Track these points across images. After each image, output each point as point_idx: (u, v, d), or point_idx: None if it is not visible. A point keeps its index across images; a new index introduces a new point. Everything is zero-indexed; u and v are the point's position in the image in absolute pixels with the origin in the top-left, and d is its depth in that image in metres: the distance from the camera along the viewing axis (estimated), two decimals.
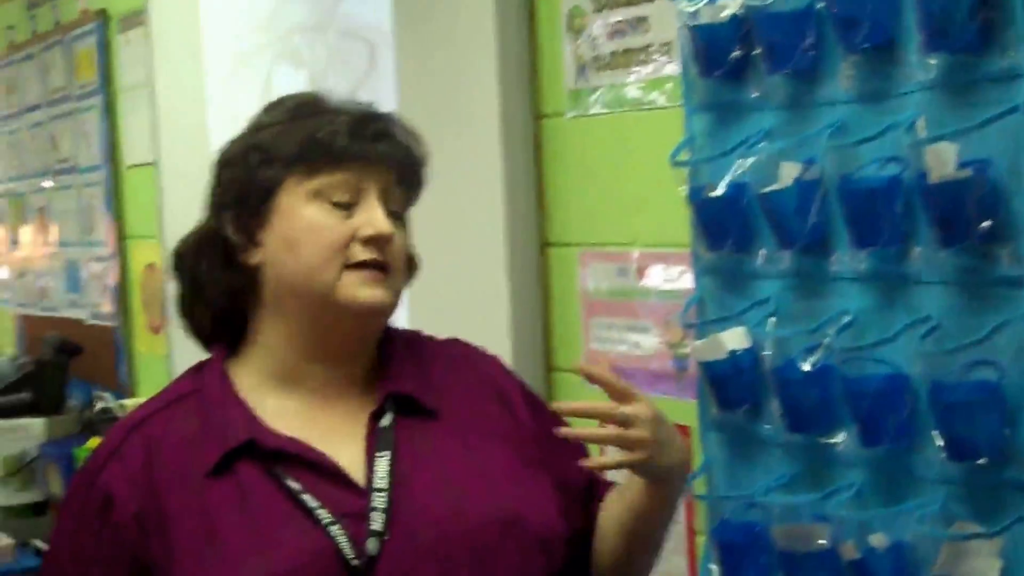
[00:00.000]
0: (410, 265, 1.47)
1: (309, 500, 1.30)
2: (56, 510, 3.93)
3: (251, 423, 1.35)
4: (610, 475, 1.54)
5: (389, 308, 1.39)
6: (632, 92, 2.05)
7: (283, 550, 1.28)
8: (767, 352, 1.72)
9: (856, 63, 1.58)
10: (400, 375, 1.41)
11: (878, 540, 1.56)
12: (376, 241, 1.35)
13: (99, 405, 4.14)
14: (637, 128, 2.05)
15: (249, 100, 3.31)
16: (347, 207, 1.35)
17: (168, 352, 3.81)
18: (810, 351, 1.65)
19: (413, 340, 1.49)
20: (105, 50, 4.11)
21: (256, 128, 1.42)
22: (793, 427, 1.68)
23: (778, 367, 1.69)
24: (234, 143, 1.43)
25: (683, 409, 1.97)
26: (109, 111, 4.13)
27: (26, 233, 4.94)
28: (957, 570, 1.46)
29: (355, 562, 1.28)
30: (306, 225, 1.35)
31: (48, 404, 4.10)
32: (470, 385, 1.46)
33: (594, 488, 1.52)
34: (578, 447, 1.49)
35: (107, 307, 4.24)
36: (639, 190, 2.05)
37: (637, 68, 2.03)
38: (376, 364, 1.43)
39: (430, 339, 1.52)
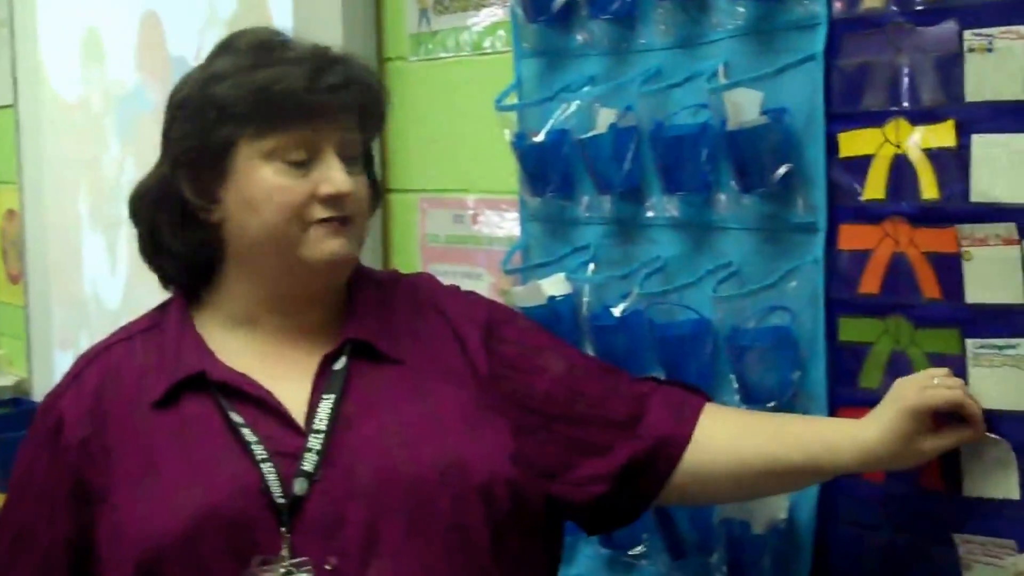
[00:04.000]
0: (374, 199, 1.45)
1: (248, 435, 1.31)
2: None
3: (203, 356, 1.36)
4: None
5: (353, 259, 1.38)
6: (471, 37, 2.05)
7: (214, 483, 1.29)
8: (586, 298, 1.74)
9: (669, 9, 1.60)
10: (363, 320, 1.40)
11: None
12: (335, 199, 1.33)
13: None
14: (474, 73, 2.05)
15: (105, 43, 3.26)
16: (304, 164, 1.33)
17: (26, 303, 3.73)
18: (623, 297, 1.67)
19: (385, 283, 1.47)
20: None
21: (210, 76, 1.36)
22: None
23: (594, 313, 1.71)
24: (188, 84, 1.38)
25: None
26: None
27: None
28: (748, 510, 1.49)
29: (280, 500, 1.28)
30: (264, 186, 1.32)
31: None
32: (431, 327, 1.43)
33: (601, 402, 1.41)
34: (558, 368, 1.42)
35: None
36: (475, 136, 2.05)
37: (475, 12, 2.03)
38: (342, 306, 1.41)
39: (401, 278, 1.51)
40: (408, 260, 2.22)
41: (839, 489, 1.45)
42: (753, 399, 1.49)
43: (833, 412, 1.45)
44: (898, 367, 1.38)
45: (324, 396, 1.33)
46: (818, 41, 1.43)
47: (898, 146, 1.37)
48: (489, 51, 2.02)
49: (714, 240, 1.59)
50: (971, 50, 1.28)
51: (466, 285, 2.07)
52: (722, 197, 1.56)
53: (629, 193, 1.68)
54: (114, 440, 1.34)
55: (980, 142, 1.28)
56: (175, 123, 1.38)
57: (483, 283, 2.06)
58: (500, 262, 1.99)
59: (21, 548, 1.37)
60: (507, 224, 2.00)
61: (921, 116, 1.34)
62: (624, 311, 1.65)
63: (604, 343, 1.68)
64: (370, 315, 1.40)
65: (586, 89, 1.73)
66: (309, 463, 1.29)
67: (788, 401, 1.48)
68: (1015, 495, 1.28)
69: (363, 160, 1.40)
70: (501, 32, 1.97)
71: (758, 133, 1.45)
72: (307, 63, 1.33)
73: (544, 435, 1.38)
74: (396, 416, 1.34)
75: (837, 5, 1.42)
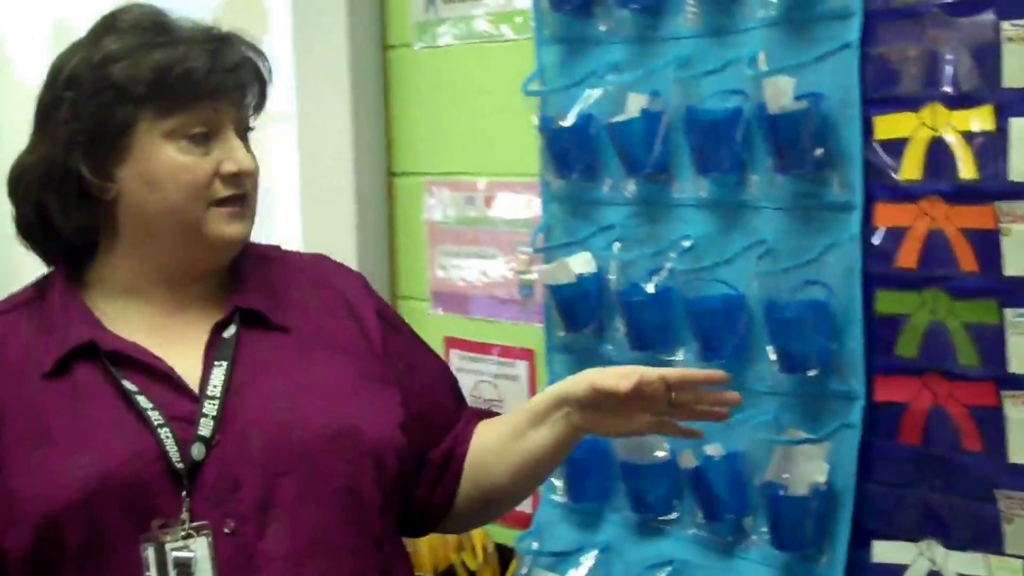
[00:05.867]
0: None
1: (143, 401, 1.33)
2: None
3: (92, 326, 1.37)
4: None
5: (248, 238, 1.42)
6: (481, 24, 2.10)
7: (111, 450, 1.30)
8: (611, 276, 1.81)
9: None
10: (250, 290, 1.44)
11: (714, 449, 1.67)
12: (238, 177, 1.36)
13: None
14: (485, 60, 2.10)
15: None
16: (204, 140, 1.36)
17: None
18: (653, 274, 1.74)
19: (269, 255, 1.51)
20: None
21: (103, 57, 1.36)
22: (636, 346, 1.77)
23: (622, 290, 1.78)
24: (75, 63, 1.38)
25: (528, 333, 2.05)
26: None
27: None
28: (788, 473, 1.58)
29: (179, 465, 1.31)
30: (167, 165, 1.35)
31: None
32: (323, 301, 1.48)
33: (450, 416, 1.55)
34: (429, 373, 1.54)
35: None
36: (487, 120, 2.11)
37: (486, 1, 2.08)
38: (229, 278, 1.45)
39: (289, 254, 1.55)
40: (414, 242, 2.27)
41: (877, 451, 1.54)
42: (792, 368, 1.58)
43: (870, 379, 1.54)
44: (936, 336, 1.48)
45: (216, 363, 1.37)
46: (853, 30, 1.52)
47: (934, 129, 1.46)
48: (500, 39, 2.07)
49: (746, 219, 1.66)
50: (1009, 39, 1.38)
51: (478, 266, 2.16)
52: (754, 178, 1.64)
53: (656, 174, 1.75)
54: (3, 411, 1.34)
55: (1018, 125, 1.38)
56: (63, 103, 1.36)
57: (496, 263, 2.12)
58: (514, 243, 2.06)
59: None
60: (522, 206, 2.06)
61: (958, 101, 1.43)
62: (657, 286, 1.73)
63: (636, 319, 1.75)
64: (257, 285, 1.45)
65: (611, 76, 1.80)
66: (206, 428, 1.33)
67: (826, 369, 1.56)
68: None
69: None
70: (518, 19, 2.02)
71: (797, 117, 1.53)
72: (203, 43, 1.36)
73: (414, 424, 1.46)
74: (286, 382, 1.39)
75: None
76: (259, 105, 1.44)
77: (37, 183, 1.39)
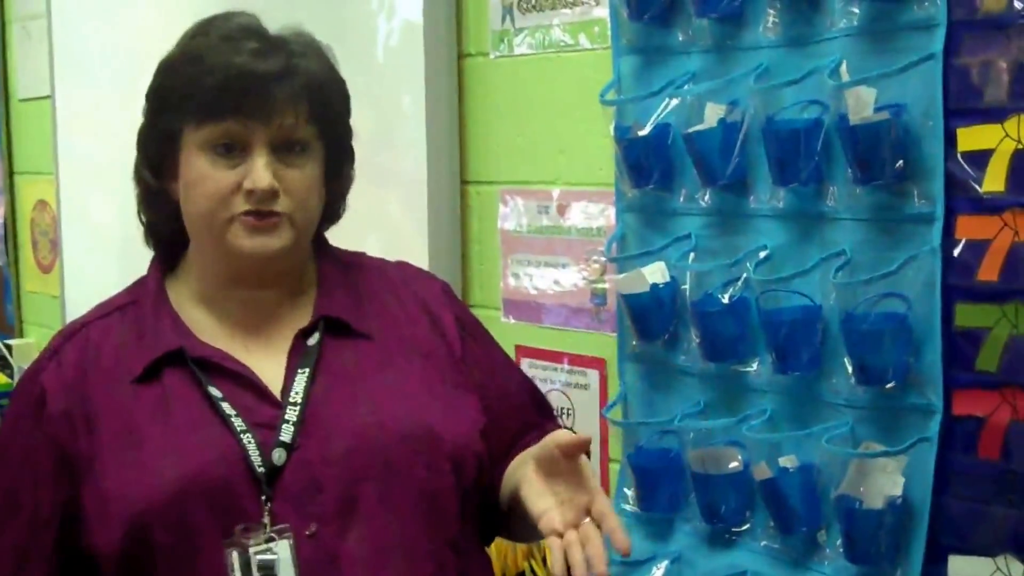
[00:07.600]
0: (336, 191, 1.50)
1: (227, 408, 1.36)
2: None
3: (181, 333, 1.41)
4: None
5: (285, 252, 1.40)
6: (557, 34, 2.11)
7: (195, 453, 1.34)
8: (686, 286, 1.81)
9: (780, 9, 1.67)
10: (334, 297, 1.46)
11: (789, 461, 1.66)
12: (255, 194, 1.37)
13: None
14: (561, 69, 2.11)
15: (145, 32, 3.27)
16: (232, 153, 1.37)
17: (60, 292, 3.75)
18: (728, 284, 1.74)
19: (352, 262, 1.54)
20: None
21: (162, 66, 1.43)
22: (709, 356, 1.77)
23: (697, 300, 1.77)
24: (154, 74, 1.44)
25: (601, 342, 2.05)
26: None
27: None
28: (863, 487, 1.57)
29: (260, 469, 1.34)
30: (196, 173, 1.38)
31: None
32: (405, 307, 1.51)
33: (528, 424, 1.55)
34: (508, 379, 1.56)
35: None
36: (562, 129, 2.11)
37: (564, 11, 2.09)
38: (312, 283, 1.48)
39: (372, 260, 1.57)
40: (487, 249, 2.28)
41: (954, 465, 1.52)
42: (870, 380, 1.56)
43: (949, 393, 1.52)
44: (1017, 351, 1.46)
45: (299, 370, 1.40)
46: (937, 41, 1.50)
47: (1018, 141, 1.44)
48: (577, 48, 2.08)
49: (824, 230, 1.66)
50: None
51: (551, 275, 2.16)
52: (833, 189, 1.63)
53: (733, 184, 1.75)
54: (96, 412, 1.38)
55: None
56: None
57: (569, 272, 2.12)
58: (587, 253, 2.06)
59: (6, 514, 1.42)
60: (596, 215, 2.06)
61: None
62: (732, 297, 1.72)
63: (710, 328, 1.75)
64: (340, 293, 1.47)
65: (687, 86, 1.80)
66: (287, 434, 1.36)
67: (904, 383, 1.55)
68: None
69: (328, 150, 1.44)
70: (595, 29, 2.03)
71: (879, 128, 1.52)
72: (244, 53, 1.37)
73: (491, 431, 1.47)
74: (367, 387, 1.41)
75: (956, 9, 1.49)
76: (325, 112, 1.42)
77: (134, 180, 1.48)
